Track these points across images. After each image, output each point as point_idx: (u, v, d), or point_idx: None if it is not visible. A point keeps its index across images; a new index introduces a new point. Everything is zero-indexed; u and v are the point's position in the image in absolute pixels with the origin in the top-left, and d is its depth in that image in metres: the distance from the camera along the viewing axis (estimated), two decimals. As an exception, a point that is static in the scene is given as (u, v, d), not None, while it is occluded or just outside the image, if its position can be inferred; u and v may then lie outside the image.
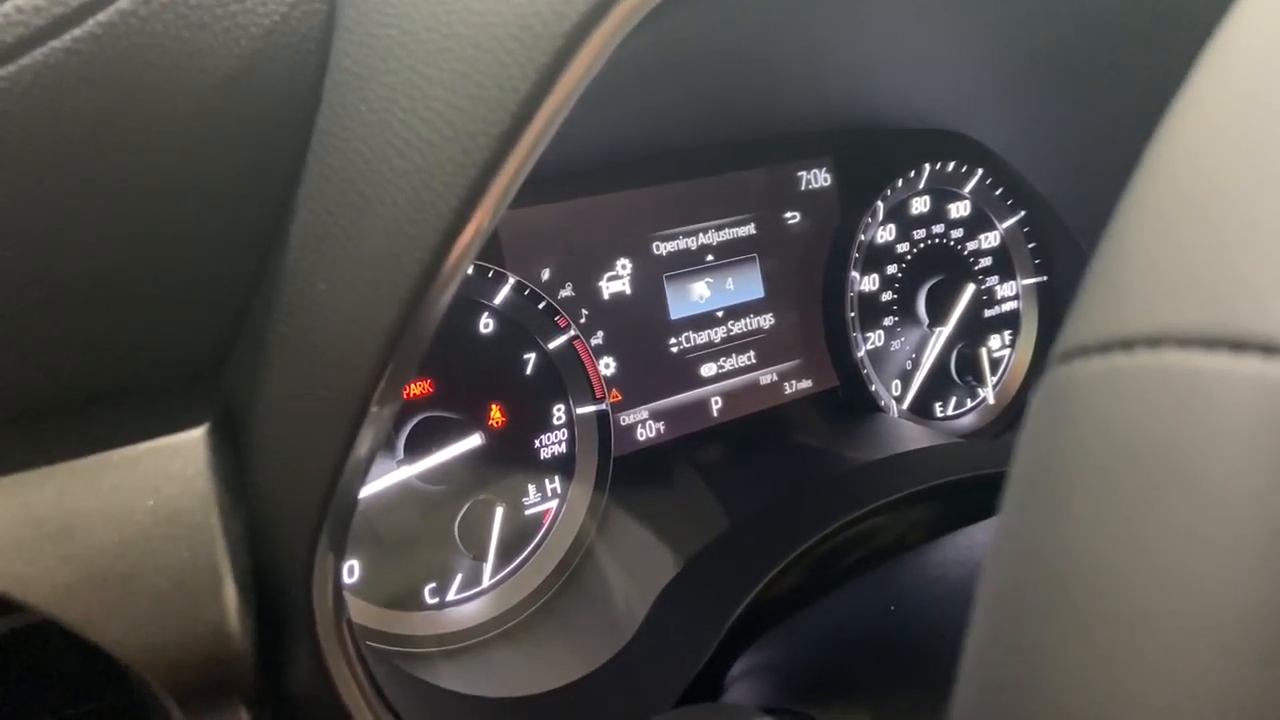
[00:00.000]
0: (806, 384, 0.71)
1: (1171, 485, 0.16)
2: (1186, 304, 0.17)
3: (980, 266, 0.78)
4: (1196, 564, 0.16)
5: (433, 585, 0.55)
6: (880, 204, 0.72)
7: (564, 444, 0.60)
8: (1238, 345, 0.16)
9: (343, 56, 0.34)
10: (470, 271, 0.57)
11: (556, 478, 0.60)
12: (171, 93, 0.30)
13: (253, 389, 0.35)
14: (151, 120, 0.30)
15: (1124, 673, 0.16)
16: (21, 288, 0.30)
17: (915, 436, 0.70)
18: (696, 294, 0.66)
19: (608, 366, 0.62)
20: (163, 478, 0.32)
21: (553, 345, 0.59)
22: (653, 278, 0.64)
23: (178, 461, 0.32)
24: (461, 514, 0.56)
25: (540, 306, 0.59)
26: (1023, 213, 0.77)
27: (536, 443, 0.60)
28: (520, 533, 0.59)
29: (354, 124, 0.33)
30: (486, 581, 0.57)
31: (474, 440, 0.56)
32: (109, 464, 0.31)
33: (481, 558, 0.56)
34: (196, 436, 0.33)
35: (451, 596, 0.56)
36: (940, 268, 0.76)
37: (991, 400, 0.78)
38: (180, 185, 0.32)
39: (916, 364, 0.75)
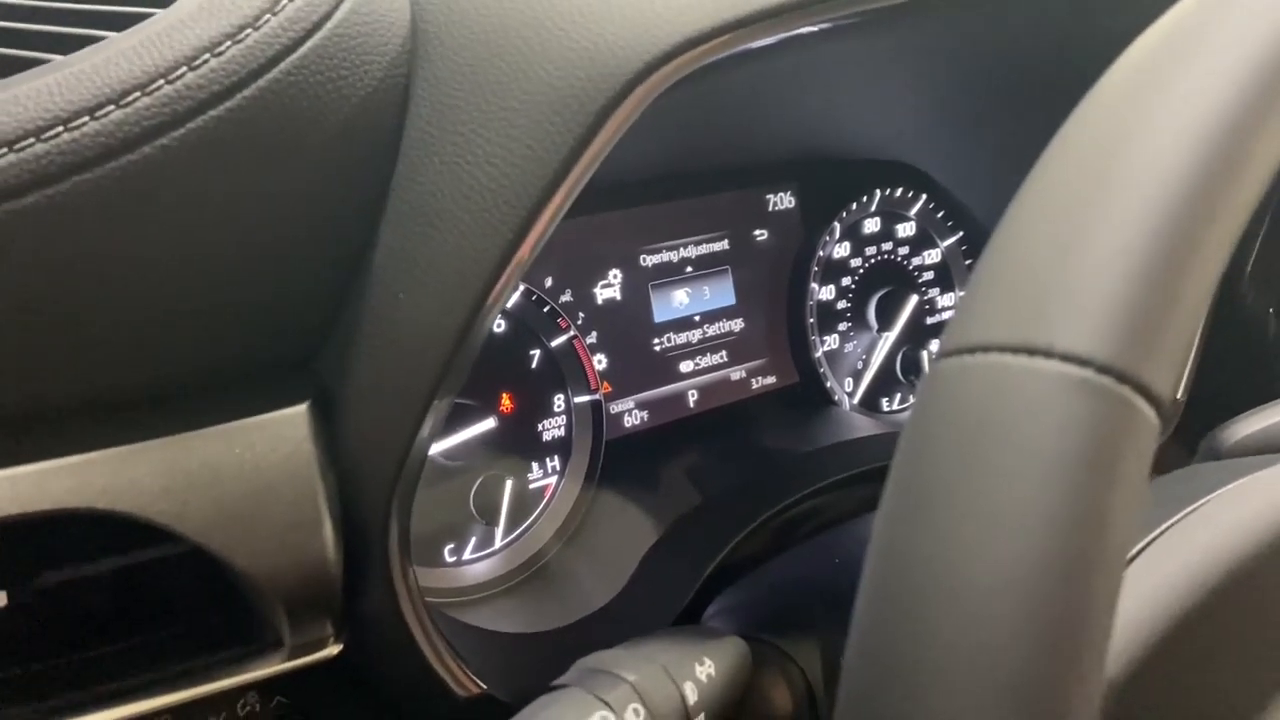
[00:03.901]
0: (771, 380, 0.81)
1: (989, 450, 0.25)
2: (1006, 321, 0.26)
3: (923, 280, 0.88)
4: (996, 518, 0.24)
5: (451, 546, 0.65)
6: (837, 224, 0.82)
7: (563, 428, 0.70)
8: (1035, 351, 0.26)
9: (417, 119, 0.43)
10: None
11: (556, 457, 0.70)
12: (299, 144, 0.40)
13: (341, 378, 0.44)
14: (285, 166, 0.39)
15: (938, 620, 0.25)
16: (182, 296, 0.39)
17: (864, 427, 0.81)
18: (677, 300, 0.76)
19: (600, 362, 0.72)
20: (279, 441, 0.41)
21: (555, 343, 0.69)
22: (640, 286, 0.74)
23: (289, 429, 0.42)
24: (476, 486, 0.65)
25: (545, 310, 0.69)
26: (961, 233, 0.88)
27: (540, 427, 0.69)
28: (526, 503, 0.68)
29: (428, 171, 0.42)
30: (498, 544, 0.67)
31: (488, 424, 0.65)
32: (240, 429, 0.41)
33: (493, 523, 0.65)
34: (301, 411, 0.42)
35: (467, 556, 0.65)
36: (888, 280, 0.86)
37: (932, 397, 0.88)
38: (297, 217, 0.41)
39: (867, 364, 0.85)
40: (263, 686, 0.48)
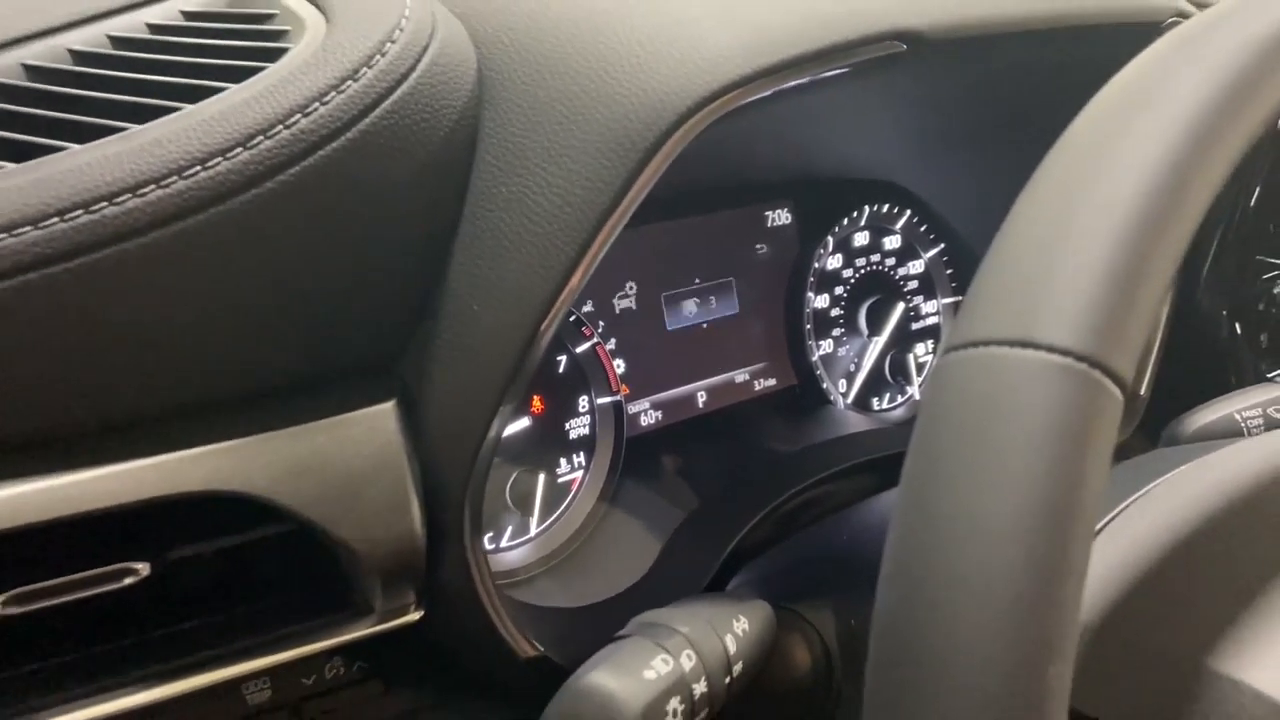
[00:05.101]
0: (771, 382, 0.88)
1: (991, 424, 0.32)
2: (1001, 321, 0.33)
3: (909, 288, 0.95)
4: (998, 478, 0.31)
5: (490, 535, 0.71)
6: (830, 238, 0.89)
7: (587, 427, 0.77)
8: (1029, 345, 0.33)
9: (485, 155, 0.50)
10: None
11: (582, 453, 0.76)
12: (390, 178, 0.46)
13: (422, 380, 0.50)
14: (379, 197, 0.46)
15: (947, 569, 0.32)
16: (291, 309, 0.46)
17: (858, 424, 0.88)
18: (686, 310, 0.83)
19: (619, 366, 0.79)
20: (373, 432, 0.48)
21: (579, 349, 0.76)
22: (653, 297, 0.81)
23: (380, 422, 0.48)
24: (511, 480, 0.71)
25: (570, 319, 0.75)
26: (942, 245, 0.95)
27: (566, 426, 0.76)
28: (555, 495, 0.75)
29: (497, 199, 0.49)
30: (532, 532, 0.73)
31: (522, 423, 0.72)
32: (341, 423, 0.47)
33: (528, 514, 0.72)
34: (390, 407, 0.49)
35: (504, 544, 0.72)
36: (877, 289, 0.93)
37: (917, 396, 0.96)
38: (386, 240, 0.48)
39: (858, 367, 0.93)
40: (346, 652, 0.54)
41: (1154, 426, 0.77)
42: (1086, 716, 0.42)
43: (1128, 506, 0.50)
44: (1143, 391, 0.83)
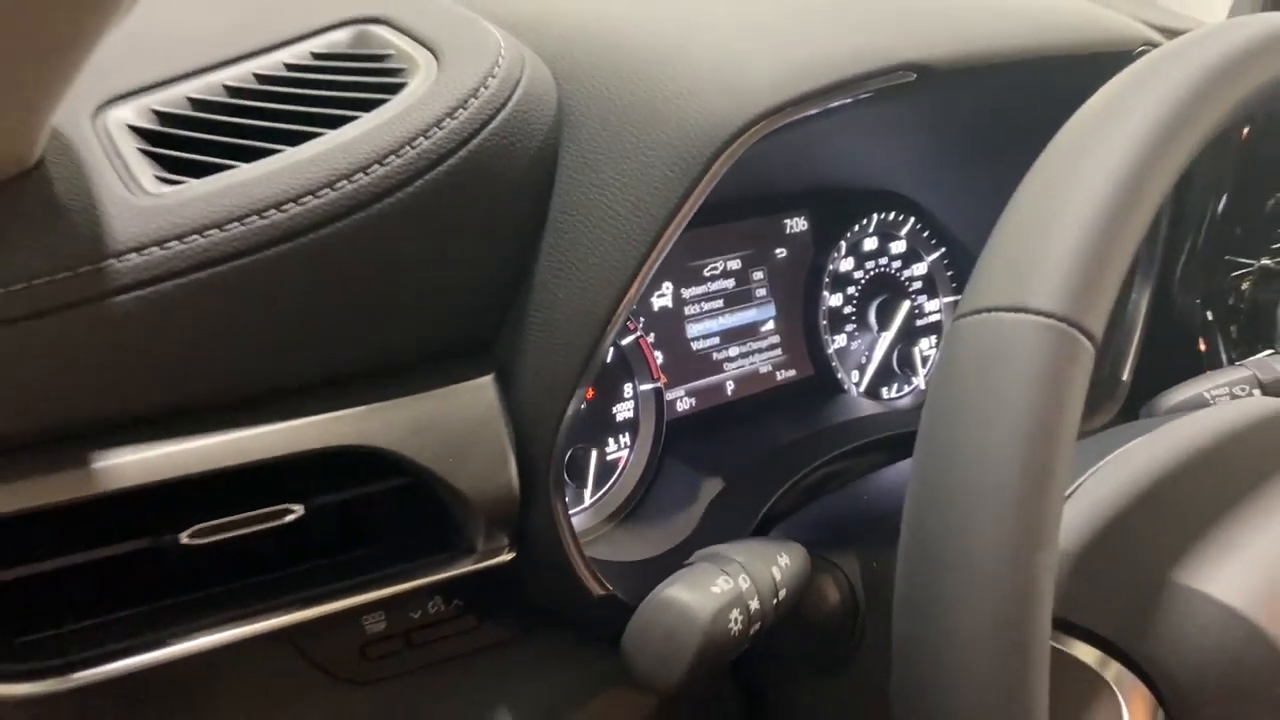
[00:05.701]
0: (791, 373, 0.98)
1: (992, 375, 0.41)
2: (1000, 292, 0.42)
3: (913, 288, 1.05)
4: (998, 413, 0.40)
5: (548, 505, 0.80)
6: (843, 243, 0.98)
7: (632, 411, 0.86)
8: (1022, 310, 0.42)
9: (566, 168, 0.59)
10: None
11: (627, 434, 0.86)
12: (493, 188, 0.56)
13: (513, 358, 0.60)
14: (484, 204, 0.56)
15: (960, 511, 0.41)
16: (419, 292, 0.55)
17: (869, 410, 0.97)
18: (715, 307, 0.92)
19: (659, 358, 0.88)
20: (477, 400, 0.57)
21: (624, 342, 0.85)
22: (687, 295, 0.90)
23: (483, 392, 0.58)
24: (567, 456, 0.81)
25: (617, 315, 0.85)
26: (943, 249, 1.04)
27: (614, 410, 0.85)
28: (605, 471, 0.84)
29: (576, 203, 0.58)
30: (586, 502, 0.82)
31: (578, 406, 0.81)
32: (452, 391, 0.56)
33: (582, 486, 0.81)
34: (489, 379, 0.58)
35: (561, 513, 0.81)
36: (885, 289, 1.02)
37: (922, 386, 1.05)
38: (489, 238, 0.57)
39: (869, 359, 1.01)
40: (445, 592, 0.63)
41: (1135, 410, 0.86)
42: (1076, 625, 0.51)
43: (1109, 461, 0.59)
44: (1125, 377, 0.93)
